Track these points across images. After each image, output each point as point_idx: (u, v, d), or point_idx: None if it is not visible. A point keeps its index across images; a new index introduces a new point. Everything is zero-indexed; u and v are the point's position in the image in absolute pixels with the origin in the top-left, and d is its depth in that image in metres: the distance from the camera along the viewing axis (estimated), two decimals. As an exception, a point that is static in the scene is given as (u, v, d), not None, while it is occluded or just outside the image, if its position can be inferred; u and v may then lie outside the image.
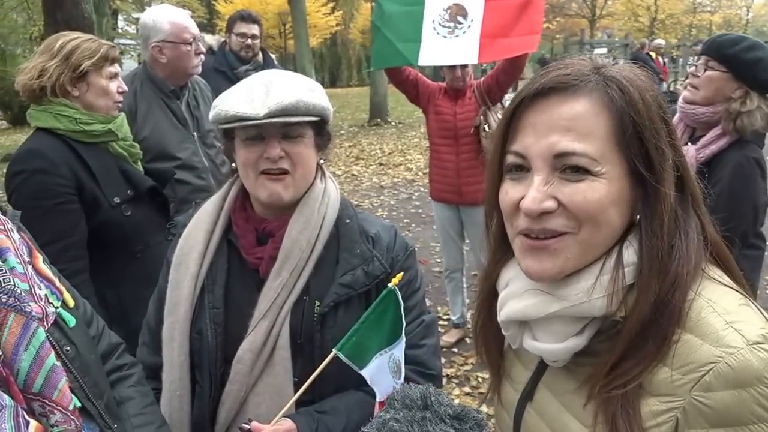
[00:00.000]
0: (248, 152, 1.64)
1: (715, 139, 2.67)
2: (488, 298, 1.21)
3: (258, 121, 1.55)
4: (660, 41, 17.22)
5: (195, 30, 3.38)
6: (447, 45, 4.30)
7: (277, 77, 1.66)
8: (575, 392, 1.05)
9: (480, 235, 5.40)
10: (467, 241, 5.28)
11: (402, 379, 1.55)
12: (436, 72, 5.27)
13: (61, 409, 1.22)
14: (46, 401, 1.21)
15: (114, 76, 2.61)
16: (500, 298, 1.14)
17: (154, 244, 2.64)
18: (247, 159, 1.65)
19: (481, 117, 4.61)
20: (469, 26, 4.26)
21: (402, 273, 1.56)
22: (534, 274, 1.03)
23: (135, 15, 29.81)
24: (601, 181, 0.97)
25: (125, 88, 2.69)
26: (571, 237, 0.99)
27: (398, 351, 1.53)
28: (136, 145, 2.77)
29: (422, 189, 10.37)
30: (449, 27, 4.32)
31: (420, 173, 11.86)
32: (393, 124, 19.72)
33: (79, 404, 1.29)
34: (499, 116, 4.65)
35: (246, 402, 1.64)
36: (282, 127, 1.61)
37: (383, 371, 1.51)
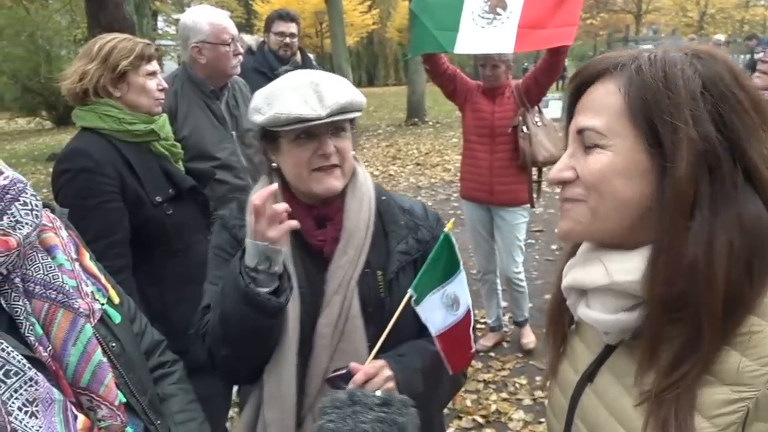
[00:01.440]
0: (301, 151, 1.72)
1: None
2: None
3: (321, 121, 1.64)
4: (719, 37, 16.48)
5: (234, 31, 3.40)
6: (484, 34, 4.28)
7: (316, 77, 1.73)
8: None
9: (508, 236, 5.24)
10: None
11: (462, 309, 1.70)
12: (476, 70, 5.22)
13: (108, 404, 1.25)
14: (94, 396, 1.23)
15: (152, 74, 2.64)
16: (567, 265, 1.20)
17: (195, 243, 2.67)
18: (300, 158, 1.73)
19: (520, 118, 4.54)
20: (508, 17, 4.23)
21: (453, 219, 1.76)
22: (558, 234, 1.15)
23: (175, 16, 30.26)
24: (606, 153, 1.02)
25: (165, 85, 2.71)
26: (582, 204, 1.07)
27: (452, 287, 1.68)
28: (178, 144, 2.81)
29: (460, 190, 10.29)
30: (488, 18, 4.29)
31: (458, 174, 11.78)
32: (430, 123, 19.68)
33: (124, 400, 1.31)
34: (537, 119, 4.61)
35: (327, 371, 1.74)
36: (332, 124, 1.70)
37: (437, 307, 1.66)
